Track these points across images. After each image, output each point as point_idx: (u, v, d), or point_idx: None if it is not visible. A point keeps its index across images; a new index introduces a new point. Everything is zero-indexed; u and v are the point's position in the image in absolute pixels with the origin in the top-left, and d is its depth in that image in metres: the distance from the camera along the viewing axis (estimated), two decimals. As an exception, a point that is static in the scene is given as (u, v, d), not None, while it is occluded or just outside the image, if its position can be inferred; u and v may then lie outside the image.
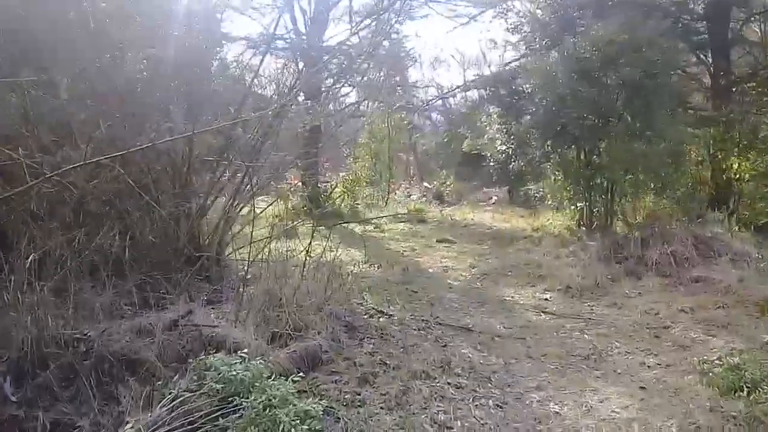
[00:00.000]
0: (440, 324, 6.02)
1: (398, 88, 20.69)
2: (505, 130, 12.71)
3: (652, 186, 9.90)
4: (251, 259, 6.78)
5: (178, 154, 6.11)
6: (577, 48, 9.65)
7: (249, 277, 6.08)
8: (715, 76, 12.12)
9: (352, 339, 5.12)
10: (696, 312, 6.45)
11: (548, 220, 12.86)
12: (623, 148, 9.41)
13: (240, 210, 7.16)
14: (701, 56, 12.40)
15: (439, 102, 20.98)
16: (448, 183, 19.86)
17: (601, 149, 10.00)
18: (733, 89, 12.05)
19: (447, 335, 5.67)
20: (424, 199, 20.23)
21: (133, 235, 5.36)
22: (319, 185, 16.97)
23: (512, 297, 7.44)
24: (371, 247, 11.05)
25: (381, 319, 5.93)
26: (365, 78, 19.76)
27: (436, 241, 11.62)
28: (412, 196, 21.34)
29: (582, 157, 10.39)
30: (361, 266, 8.67)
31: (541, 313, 6.71)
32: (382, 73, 19.95)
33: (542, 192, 13.78)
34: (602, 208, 10.28)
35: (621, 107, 9.62)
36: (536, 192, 13.93)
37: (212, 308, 5.12)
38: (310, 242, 6.47)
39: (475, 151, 22.52)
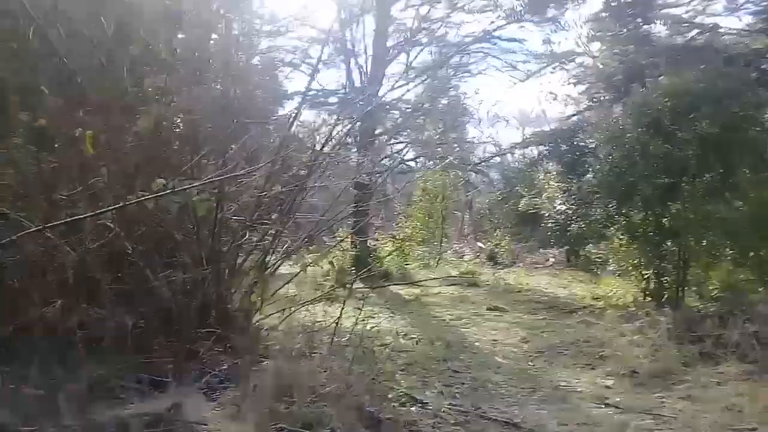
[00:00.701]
0: (482, 417, 5.17)
1: (455, 145, 20.15)
2: (564, 189, 11.85)
3: (730, 254, 8.78)
4: (279, 328, 6.18)
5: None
6: (646, 99, 8.83)
7: (265, 353, 5.45)
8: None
9: (373, 437, 4.36)
10: (788, 410, 5.40)
11: (611, 289, 11.80)
12: (698, 211, 8.42)
13: (274, 270, 6.63)
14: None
15: (497, 160, 20.27)
16: (502, 243, 18.91)
17: (672, 211, 9.02)
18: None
19: (489, 434, 4.82)
20: (477, 260, 19.33)
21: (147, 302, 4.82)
22: (368, 244, 16.41)
23: (568, 382, 6.49)
24: (415, 314, 10.30)
25: (413, 409, 5.14)
26: (421, 134, 19.34)
27: (487, 309, 10.74)
28: (465, 257, 20.49)
29: (650, 219, 9.41)
30: (400, 338, 7.94)
31: (603, 405, 5.75)
32: (438, 130, 19.53)
33: (604, 257, 12.77)
34: (673, 278, 9.22)
35: (696, 165, 8.67)
36: (597, 256, 12.89)
37: (217, 392, 4.47)
38: (342, 309, 5.80)
39: (533, 210, 21.61)
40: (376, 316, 9.86)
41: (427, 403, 5.31)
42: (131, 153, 4.96)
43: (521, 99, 46.85)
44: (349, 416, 4.31)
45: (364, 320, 6.52)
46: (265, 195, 6.55)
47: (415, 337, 8.22)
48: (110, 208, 3.74)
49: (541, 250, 21.19)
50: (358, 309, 6.16)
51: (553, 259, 20.36)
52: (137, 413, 3.57)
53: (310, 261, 7.20)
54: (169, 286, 5.00)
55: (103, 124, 4.73)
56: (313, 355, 5.21)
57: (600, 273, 12.68)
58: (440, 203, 19.56)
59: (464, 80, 19.82)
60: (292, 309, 6.01)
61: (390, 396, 5.29)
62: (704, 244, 8.82)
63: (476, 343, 8.19)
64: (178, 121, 6.12)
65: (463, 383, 6.22)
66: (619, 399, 5.91)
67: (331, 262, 14.96)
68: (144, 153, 4.92)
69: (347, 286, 10.21)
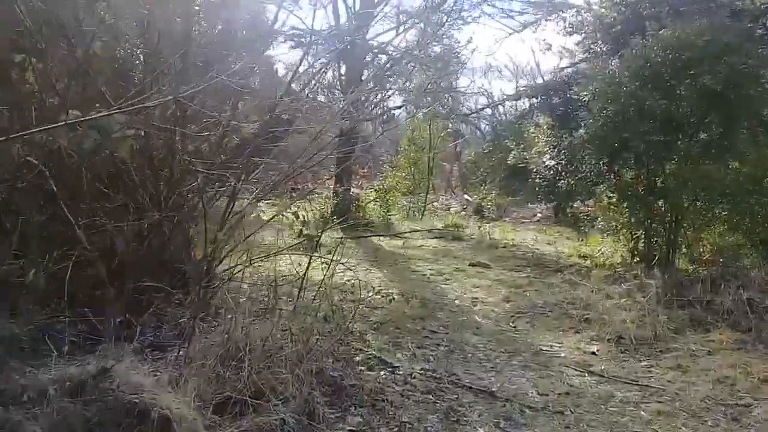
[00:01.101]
0: (456, 384, 4.77)
1: (444, 94, 19.43)
2: (555, 144, 11.33)
3: (724, 216, 8.38)
4: (243, 281, 5.72)
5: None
6: (646, 51, 8.25)
7: (221, 309, 5.00)
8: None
9: (333, 408, 3.92)
10: (784, 384, 5.06)
11: (598, 248, 11.44)
12: (694, 171, 7.97)
13: (241, 216, 6.12)
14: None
15: (488, 111, 19.65)
16: (489, 197, 18.49)
17: (667, 171, 8.56)
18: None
19: (462, 403, 4.42)
20: (463, 212, 18.92)
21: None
22: (350, 193, 15.92)
23: (551, 347, 6.11)
24: (394, 268, 9.90)
25: (382, 374, 4.74)
26: (410, 82, 18.58)
27: (470, 264, 10.34)
28: (451, 209, 20.09)
29: (642, 178, 8.96)
30: (375, 294, 7.53)
31: (586, 374, 5.37)
32: (428, 77, 18.78)
33: (592, 214, 12.37)
34: (663, 240, 8.83)
35: (694, 123, 8.18)
36: (585, 214, 12.49)
37: (161, 354, 4.01)
38: (310, 261, 5.32)
39: (521, 164, 21.08)
40: (352, 268, 9.44)
41: (397, 367, 4.91)
42: (75, 84, 4.40)
43: (516, 50, 45.85)
44: (306, 383, 3.86)
45: (337, 273, 6.11)
46: (231, 136, 6.02)
47: (391, 293, 7.80)
48: (16, 135, 3.16)
49: (528, 204, 20.83)
50: (333, 261, 5.70)
51: (540, 215, 19.99)
52: (57, 378, 3.10)
53: (283, 208, 6.72)
54: (119, 233, 4.50)
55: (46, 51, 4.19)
56: (275, 312, 4.74)
57: (587, 231, 12.28)
58: (427, 153, 19.03)
59: (457, 27, 19.01)
60: (259, 259, 5.52)
61: (357, 359, 4.89)
62: (698, 205, 8.39)
63: (456, 301, 7.79)
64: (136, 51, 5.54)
65: (439, 345, 5.83)
66: (604, 367, 5.55)
67: (310, 210, 14.51)
68: (87, 85, 4.36)
69: (317, 235, 9.83)
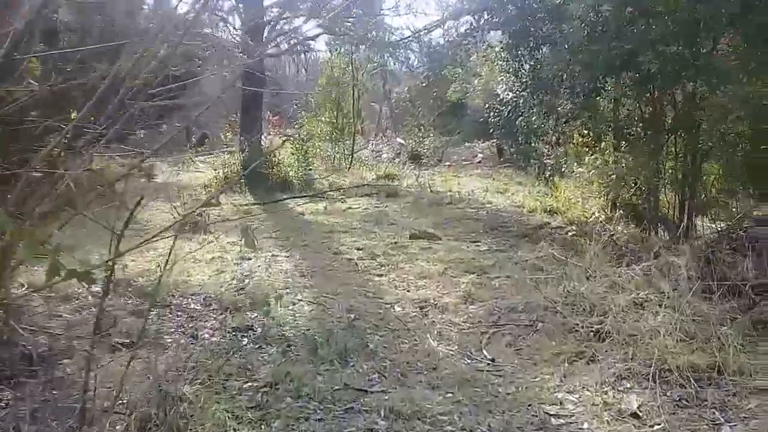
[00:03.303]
0: None
1: (367, 18, 16.30)
2: (511, 71, 8.72)
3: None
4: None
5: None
6: None
7: None
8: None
9: None
10: None
11: (565, 198, 9.12)
12: (728, 95, 5.54)
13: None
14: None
15: (422, 35, 16.72)
16: (427, 141, 15.91)
17: (681, 98, 6.11)
18: None
19: None
20: (397, 159, 16.25)
21: None
22: (260, 145, 12.94)
23: (560, 404, 3.62)
24: (311, 249, 7.29)
25: None
26: (324, 7, 15.22)
27: (411, 236, 7.75)
28: (383, 155, 17.36)
29: (653, 109, 6.48)
30: (274, 305, 4.95)
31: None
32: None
33: (557, 157, 10.00)
34: (677, 194, 6.46)
35: (727, 22, 5.65)
36: (548, 157, 10.07)
37: None
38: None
39: (463, 100, 18.47)
40: (251, 254, 6.75)
41: None
42: None
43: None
44: None
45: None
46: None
47: (298, 301, 5.18)
48: None
49: (465, 144, 18.36)
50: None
51: (481, 155, 17.56)
52: None
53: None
54: None
55: None
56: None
57: (551, 177, 9.88)
58: (351, 92, 16.09)
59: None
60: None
61: None
62: (728, 140, 5.99)
63: (396, 308, 5.21)
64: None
65: (369, 414, 3.26)
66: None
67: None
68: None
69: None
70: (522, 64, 8.34)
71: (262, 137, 13.61)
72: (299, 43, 14.18)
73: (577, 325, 4.57)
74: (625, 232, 7.07)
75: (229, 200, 10.77)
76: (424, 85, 16.52)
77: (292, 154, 13.36)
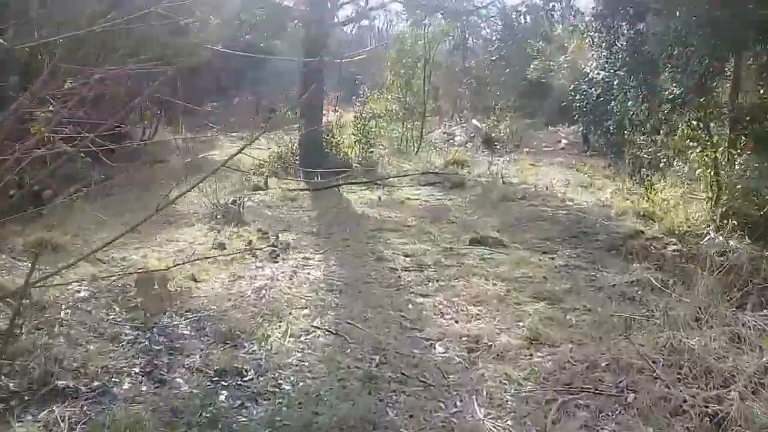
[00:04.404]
0: None
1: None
2: (604, 43, 7.24)
3: None
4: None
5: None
6: None
7: None
8: None
9: None
10: None
11: (664, 200, 7.61)
12: None
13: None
14: None
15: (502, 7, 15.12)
16: (502, 125, 14.41)
17: None
18: None
19: None
20: (470, 144, 14.84)
21: None
22: (321, 125, 11.86)
23: None
24: (351, 253, 6.20)
25: None
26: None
27: (470, 241, 6.49)
28: (456, 137, 15.95)
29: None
30: (283, 338, 3.88)
31: None
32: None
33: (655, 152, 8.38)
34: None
35: None
36: (647, 151, 8.46)
37: None
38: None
39: (544, 79, 16.77)
40: (281, 257, 5.75)
41: None
42: None
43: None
44: None
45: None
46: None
47: (314, 330, 4.08)
48: None
49: (548, 128, 16.72)
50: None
51: (565, 141, 15.89)
52: None
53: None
54: None
55: None
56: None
57: (647, 176, 8.28)
58: (423, 69, 14.75)
59: None
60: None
61: None
62: None
63: (437, 349, 4.01)
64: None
65: None
66: None
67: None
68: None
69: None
70: (618, 37, 6.84)
71: (323, 115, 12.53)
72: (364, 13, 12.99)
73: (686, 401, 3.23)
74: (743, 250, 5.56)
75: (279, 184, 9.83)
76: (502, 61, 14.94)
77: (353, 134, 12.29)
